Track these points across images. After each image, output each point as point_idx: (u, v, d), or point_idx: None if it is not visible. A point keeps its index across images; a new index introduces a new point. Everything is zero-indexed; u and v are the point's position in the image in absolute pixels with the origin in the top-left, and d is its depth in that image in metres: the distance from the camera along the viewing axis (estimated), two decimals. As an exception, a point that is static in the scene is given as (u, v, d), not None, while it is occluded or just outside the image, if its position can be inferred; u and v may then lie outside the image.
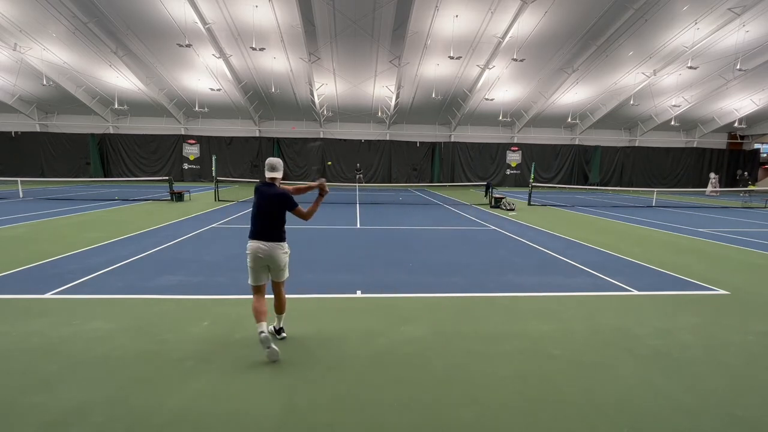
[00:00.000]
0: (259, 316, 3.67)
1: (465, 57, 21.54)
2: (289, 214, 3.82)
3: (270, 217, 3.71)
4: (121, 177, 29.25)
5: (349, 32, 19.67)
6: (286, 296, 4.00)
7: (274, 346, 3.50)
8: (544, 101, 27.69)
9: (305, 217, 3.87)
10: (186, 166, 31.22)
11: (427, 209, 15.66)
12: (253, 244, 3.69)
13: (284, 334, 4.02)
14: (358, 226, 11.09)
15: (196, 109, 27.48)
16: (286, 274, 3.90)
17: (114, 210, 13.40)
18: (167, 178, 18.64)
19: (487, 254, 7.96)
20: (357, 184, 29.35)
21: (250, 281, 3.78)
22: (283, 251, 3.77)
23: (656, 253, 8.20)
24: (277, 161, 3.85)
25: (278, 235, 3.76)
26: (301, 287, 5.53)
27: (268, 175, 3.79)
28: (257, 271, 3.73)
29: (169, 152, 30.92)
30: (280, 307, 3.95)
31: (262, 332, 3.52)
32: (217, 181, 17.76)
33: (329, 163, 30.90)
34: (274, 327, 4.00)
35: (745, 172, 32.74)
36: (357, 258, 7.40)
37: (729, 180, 33.48)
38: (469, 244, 8.97)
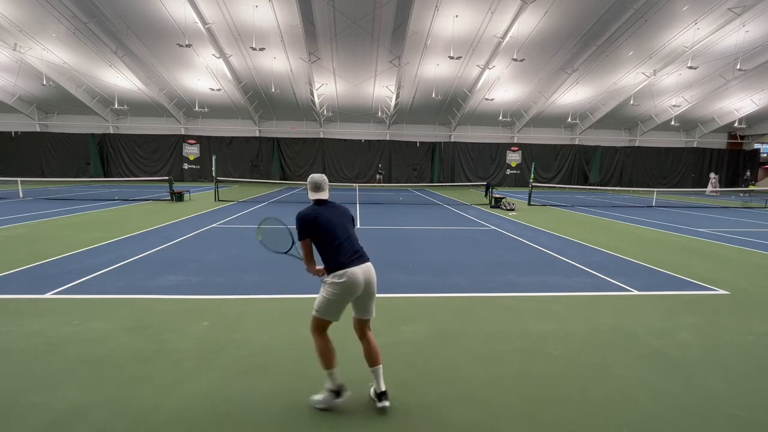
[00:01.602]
0: (332, 359, 2.88)
1: (465, 57, 21.55)
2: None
3: (351, 233, 2.98)
4: (121, 177, 29.26)
5: (349, 32, 19.67)
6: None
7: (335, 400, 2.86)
8: (544, 101, 27.70)
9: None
10: (186, 166, 31.24)
11: (427, 209, 15.66)
12: (353, 271, 2.80)
13: (387, 403, 2.85)
14: (359, 225, 11.09)
15: (196, 109, 27.49)
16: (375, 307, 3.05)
17: (114, 210, 13.40)
18: (167, 178, 18.64)
19: (487, 254, 7.96)
20: (357, 185, 29.36)
21: (327, 316, 2.87)
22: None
23: (656, 253, 8.20)
24: (322, 179, 3.09)
25: (366, 255, 2.99)
26: (301, 287, 5.53)
27: (316, 196, 3.03)
28: (342, 305, 2.87)
29: (169, 152, 30.94)
30: (376, 353, 2.93)
31: (335, 389, 2.83)
32: (217, 181, 17.76)
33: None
34: (374, 390, 2.92)
35: (748, 172, 32.72)
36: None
37: (729, 180, 33.47)
38: (469, 244, 8.97)
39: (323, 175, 3.14)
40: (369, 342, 2.95)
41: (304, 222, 2.89)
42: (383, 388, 2.87)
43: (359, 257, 2.89)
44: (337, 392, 2.87)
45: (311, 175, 3.12)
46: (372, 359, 2.91)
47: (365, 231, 10.27)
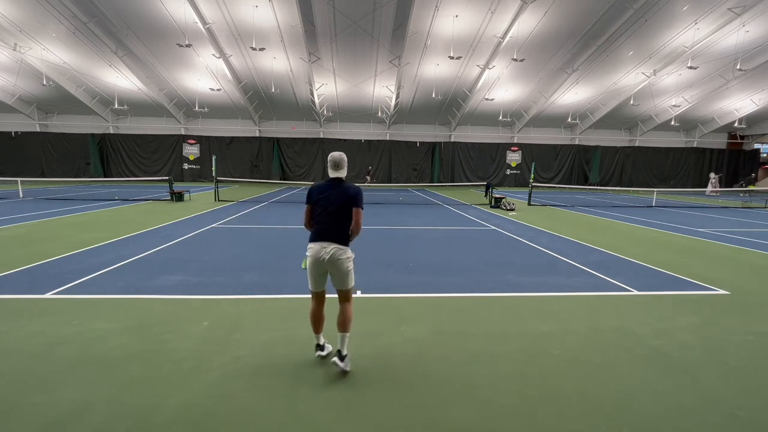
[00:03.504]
0: (316, 325, 3.47)
1: (465, 57, 21.55)
2: None
3: (338, 215, 3.31)
4: (121, 177, 29.26)
5: (349, 32, 19.67)
6: (350, 310, 3.42)
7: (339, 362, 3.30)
8: (544, 101, 27.70)
9: (358, 227, 3.40)
10: (186, 166, 31.24)
11: (427, 209, 15.66)
12: (312, 245, 3.30)
13: (345, 365, 3.31)
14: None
15: (196, 109, 27.49)
16: (352, 281, 3.41)
17: (114, 210, 13.40)
18: (167, 178, 18.64)
19: (487, 254, 7.96)
20: (357, 184, 29.33)
21: (309, 284, 3.43)
22: (346, 256, 3.31)
23: (656, 253, 8.20)
24: (341, 157, 3.41)
25: (345, 238, 3.33)
26: (301, 287, 5.53)
27: (333, 174, 3.39)
28: (315, 277, 3.37)
29: (169, 152, 30.94)
30: (343, 322, 3.36)
31: (319, 348, 3.50)
32: (217, 181, 17.76)
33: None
34: (339, 351, 3.36)
35: (753, 174, 32.70)
36: (357, 258, 7.38)
37: (729, 180, 33.48)
38: (469, 244, 8.97)
39: (342, 154, 3.46)
40: (342, 311, 3.36)
41: (308, 191, 3.49)
42: (344, 352, 3.32)
43: (322, 235, 3.28)
44: (319, 346, 3.54)
45: (331, 153, 3.46)
46: (339, 325, 3.34)
47: (365, 231, 10.23)
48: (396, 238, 9.49)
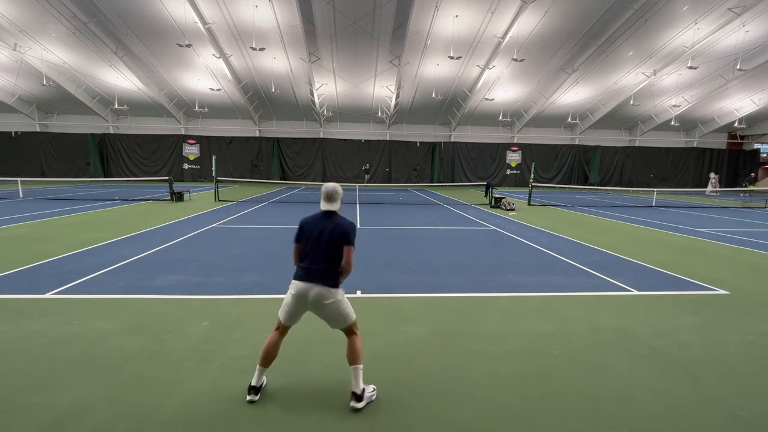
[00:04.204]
0: (266, 357, 3.02)
1: (465, 57, 21.54)
2: None
3: (328, 253, 2.95)
4: (121, 177, 29.25)
5: (349, 32, 19.67)
6: (359, 343, 3.04)
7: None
8: (544, 101, 27.70)
9: (349, 266, 3.02)
10: (186, 166, 31.23)
11: (427, 209, 15.66)
12: (295, 283, 2.96)
13: (368, 399, 2.95)
14: (359, 225, 11.08)
15: (196, 109, 27.49)
16: (349, 319, 3.03)
17: (114, 210, 13.40)
18: (167, 178, 18.64)
19: (487, 254, 7.96)
20: (358, 184, 29.37)
21: (280, 315, 3.08)
22: (334, 299, 2.93)
23: (656, 253, 8.20)
24: (334, 188, 3.08)
25: (334, 278, 2.96)
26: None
27: (325, 206, 3.04)
28: (291, 311, 3.02)
29: (169, 152, 30.93)
30: (352, 356, 2.96)
31: (253, 392, 2.94)
32: (217, 181, 17.76)
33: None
34: (353, 392, 2.92)
35: (752, 173, 32.72)
36: (357, 258, 7.35)
37: (729, 180, 33.47)
38: (469, 244, 8.97)
39: (336, 185, 3.11)
40: (349, 346, 3.01)
41: (299, 226, 3.09)
42: (354, 389, 2.91)
43: (309, 274, 2.93)
44: (253, 389, 2.98)
45: (325, 184, 3.13)
46: (349, 360, 2.98)
47: (365, 231, 10.27)
48: (396, 238, 9.49)
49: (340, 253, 2.96)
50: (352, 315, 3.06)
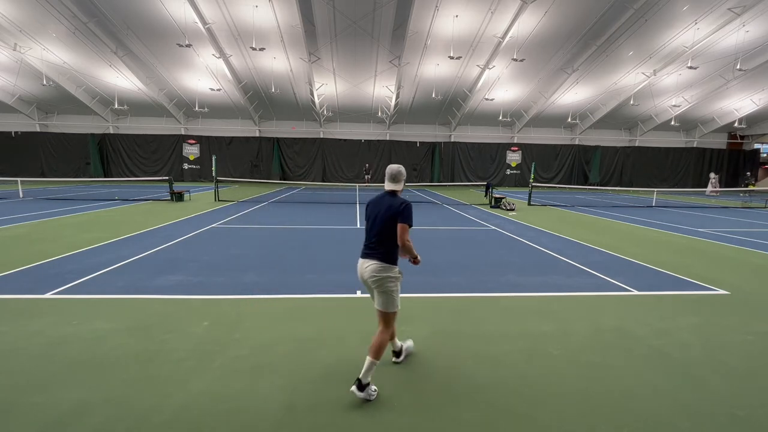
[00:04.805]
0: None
1: (465, 57, 21.54)
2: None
3: (382, 230, 3.15)
4: (121, 177, 29.24)
5: (349, 32, 19.67)
6: (384, 338, 3.13)
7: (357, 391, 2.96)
8: (544, 101, 27.69)
9: (403, 241, 3.13)
10: (186, 166, 31.22)
11: (427, 209, 15.66)
12: (359, 262, 3.27)
13: (366, 394, 2.97)
14: (359, 226, 11.08)
15: (196, 109, 27.48)
16: (392, 306, 3.19)
17: (114, 210, 13.40)
18: (167, 178, 18.64)
19: (487, 254, 7.96)
20: (358, 184, 29.37)
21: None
22: (386, 274, 3.12)
23: (656, 253, 8.20)
24: (397, 170, 3.26)
25: (389, 254, 3.15)
26: (302, 287, 5.54)
27: (389, 186, 3.26)
28: (370, 293, 3.32)
29: (169, 152, 30.93)
30: (372, 346, 3.05)
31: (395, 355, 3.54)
32: (217, 181, 17.76)
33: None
34: (358, 379, 2.99)
35: (748, 173, 32.77)
36: (357, 258, 7.38)
37: (729, 180, 33.47)
38: (469, 244, 8.97)
39: (400, 167, 3.30)
40: (377, 334, 3.14)
41: (366, 206, 3.40)
42: (360, 376, 2.98)
43: (365, 252, 3.23)
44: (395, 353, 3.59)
45: (389, 165, 3.32)
46: (370, 348, 3.06)
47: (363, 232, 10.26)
48: (396, 238, 9.47)
49: (394, 231, 3.11)
50: (397, 304, 3.22)
